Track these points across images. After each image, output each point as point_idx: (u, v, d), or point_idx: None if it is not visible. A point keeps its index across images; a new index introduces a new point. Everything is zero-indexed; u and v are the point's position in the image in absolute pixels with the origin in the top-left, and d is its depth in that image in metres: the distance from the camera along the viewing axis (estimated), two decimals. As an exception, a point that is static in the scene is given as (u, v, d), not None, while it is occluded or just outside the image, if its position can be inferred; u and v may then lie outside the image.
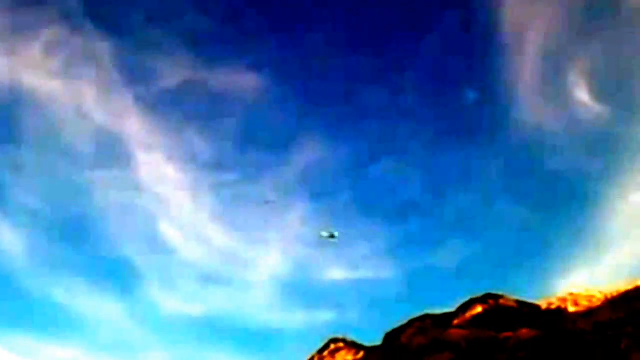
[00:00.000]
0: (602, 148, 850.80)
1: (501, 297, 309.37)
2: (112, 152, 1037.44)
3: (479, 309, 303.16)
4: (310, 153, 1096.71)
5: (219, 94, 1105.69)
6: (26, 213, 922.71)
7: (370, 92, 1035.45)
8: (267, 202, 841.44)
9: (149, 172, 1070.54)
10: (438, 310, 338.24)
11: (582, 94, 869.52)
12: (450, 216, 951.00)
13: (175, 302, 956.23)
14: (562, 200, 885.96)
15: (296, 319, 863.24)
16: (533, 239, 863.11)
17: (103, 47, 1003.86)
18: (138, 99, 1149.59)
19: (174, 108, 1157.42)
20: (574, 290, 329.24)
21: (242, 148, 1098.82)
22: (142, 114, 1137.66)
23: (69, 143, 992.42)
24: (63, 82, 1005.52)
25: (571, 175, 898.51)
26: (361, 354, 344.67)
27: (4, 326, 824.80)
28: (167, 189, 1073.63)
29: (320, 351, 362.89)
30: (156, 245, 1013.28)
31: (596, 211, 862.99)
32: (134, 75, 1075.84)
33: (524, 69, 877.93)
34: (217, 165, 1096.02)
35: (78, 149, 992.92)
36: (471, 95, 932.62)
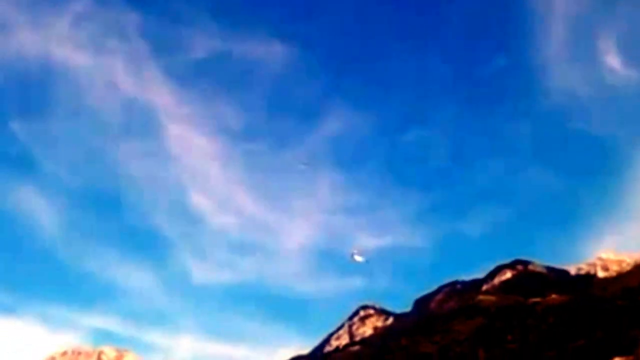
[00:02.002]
0: (632, 114, 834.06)
1: (530, 263, 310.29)
2: (141, 123, 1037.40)
3: (508, 275, 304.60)
4: (338, 122, 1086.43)
5: (248, 64, 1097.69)
6: (58, 184, 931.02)
7: (399, 61, 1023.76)
8: (303, 165, 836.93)
9: (178, 143, 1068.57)
10: (467, 277, 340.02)
11: (612, 60, 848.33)
12: (480, 183, 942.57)
13: (206, 270, 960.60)
14: (592, 166, 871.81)
15: (326, 286, 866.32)
16: (562, 205, 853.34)
17: (131, 19, 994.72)
18: (167, 70, 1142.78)
19: (203, 79, 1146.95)
20: (604, 256, 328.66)
21: (271, 117, 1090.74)
22: (171, 85, 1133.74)
23: (99, 115, 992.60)
24: (92, 54, 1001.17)
25: (601, 141, 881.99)
26: (390, 320, 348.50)
27: (38, 297, 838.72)
28: (196, 159, 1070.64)
29: (350, 318, 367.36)
30: (187, 214, 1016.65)
31: (626, 177, 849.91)
32: (163, 47, 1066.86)
33: (554, 35, 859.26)
34: (247, 135, 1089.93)
35: (108, 121, 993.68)
36: (500, 62, 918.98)
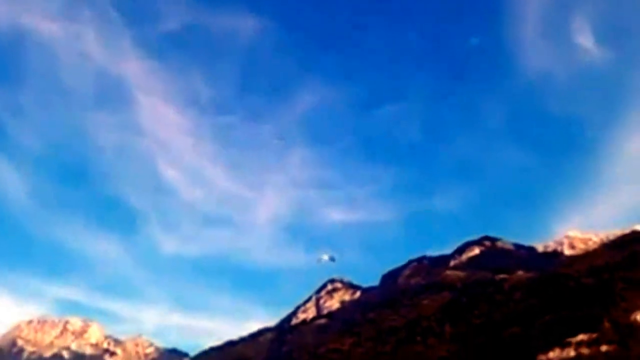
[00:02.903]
0: (604, 93, 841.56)
1: (498, 240, 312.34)
2: (112, 94, 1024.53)
3: (475, 251, 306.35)
4: (311, 96, 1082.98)
5: (220, 37, 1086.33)
6: (27, 154, 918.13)
7: (373, 36, 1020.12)
8: (277, 140, 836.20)
9: (149, 115, 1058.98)
10: (435, 253, 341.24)
11: (586, 40, 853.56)
12: (451, 160, 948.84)
13: (175, 242, 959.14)
14: (563, 145, 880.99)
15: (295, 260, 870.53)
16: (532, 183, 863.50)
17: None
18: (138, 41, 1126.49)
19: (175, 51, 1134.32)
20: (571, 234, 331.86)
21: (242, 91, 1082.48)
22: (142, 56, 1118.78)
23: (70, 85, 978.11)
24: (62, 23, 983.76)
25: (573, 120, 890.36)
26: (358, 294, 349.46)
27: (4, 266, 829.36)
28: (167, 131, 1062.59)
29: (318, 291, 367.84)
30: (156, 186, 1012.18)
31: (595, 156, 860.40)
32: (135, 18, 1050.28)
33: (528, 14, 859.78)
34: (218, 108, 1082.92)
35: (78, 91, 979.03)
36: (475, 40, 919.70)
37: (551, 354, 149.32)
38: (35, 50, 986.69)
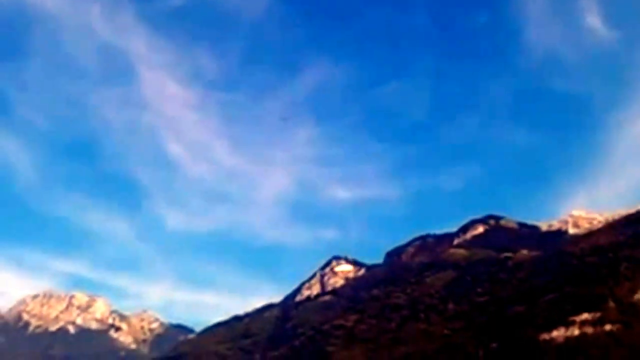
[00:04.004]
0: (610, 73, 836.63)
1: (502, 218, 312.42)
2: (117, 69, 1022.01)
3: (480, 230, 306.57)
4: (316, 74, 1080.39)
5: (225, 13, 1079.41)
6: (32, 130, 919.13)
7: (378, 13, 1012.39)
8: (282, 119, 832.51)
9: (154, 90, 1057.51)
10: (439, 231, 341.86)
11: (593, 19, 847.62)
12: (456, 139, 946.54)
13: (180, 218, 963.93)
14: (568, 125, 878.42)
15: (300, 236, 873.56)
16: (537, 162, 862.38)
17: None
18: (143, 15, 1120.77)
19: (180, 25, 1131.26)
20: (575, 213, 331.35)
21: (248, 67, 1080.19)
22: (147, 30, 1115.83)
23: (74, 60, 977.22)
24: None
25: (578, 100, 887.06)
26: (362, 271, 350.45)
27: (11, 241, 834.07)
28: (172, 107, 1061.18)
29: (322, 268, 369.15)
30: (162, 162, 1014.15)
31: (601, 136, 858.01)
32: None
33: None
34: (223, 84, 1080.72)
35: (83, 66, 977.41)
36: (482, 18, 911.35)
37: (555, 333, 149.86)
38: (40, 25, 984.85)
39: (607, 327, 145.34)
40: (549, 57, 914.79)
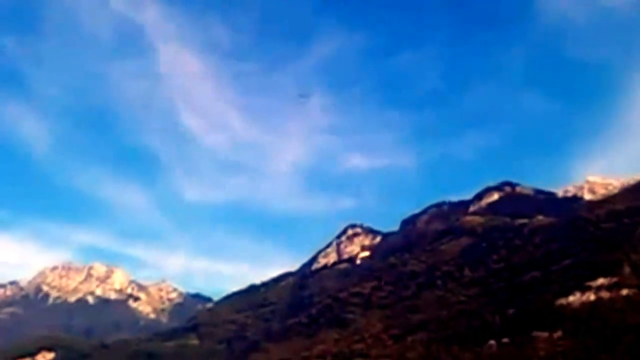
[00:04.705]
0: (624, 37, 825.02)
1: (518, 185, 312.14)
2: (132, 41, 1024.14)
3: (495, 197, 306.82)
4: (329, 43, 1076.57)
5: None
6: (49, 103, 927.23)
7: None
8: (301, 96, 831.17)
9: (168, 61, 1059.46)
10: (455, 198, 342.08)
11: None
12: (471, 106, 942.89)
13: (197, 190, 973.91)
14: (584, 90, 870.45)
15: (316, 206, 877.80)
16: (552, 129, 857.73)
17: None
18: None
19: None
20: (591, 179, 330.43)
21: (262, 38, 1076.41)
22: (161, 2, 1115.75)
23: (89, 33, 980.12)
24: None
25: (594, 65, 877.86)
26: (378, 239, 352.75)
27: (30, 213, 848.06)
28: (187, 79, 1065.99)
29: (339, 236, 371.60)
30: (177, 134, 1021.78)
31: (617, 101, 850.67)
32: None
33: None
34: (238, 55, 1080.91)
35: (98, 39, 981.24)
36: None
37: (571, 298, 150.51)
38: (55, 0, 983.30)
39: (624, 291, 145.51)
40: (562, 22, 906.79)
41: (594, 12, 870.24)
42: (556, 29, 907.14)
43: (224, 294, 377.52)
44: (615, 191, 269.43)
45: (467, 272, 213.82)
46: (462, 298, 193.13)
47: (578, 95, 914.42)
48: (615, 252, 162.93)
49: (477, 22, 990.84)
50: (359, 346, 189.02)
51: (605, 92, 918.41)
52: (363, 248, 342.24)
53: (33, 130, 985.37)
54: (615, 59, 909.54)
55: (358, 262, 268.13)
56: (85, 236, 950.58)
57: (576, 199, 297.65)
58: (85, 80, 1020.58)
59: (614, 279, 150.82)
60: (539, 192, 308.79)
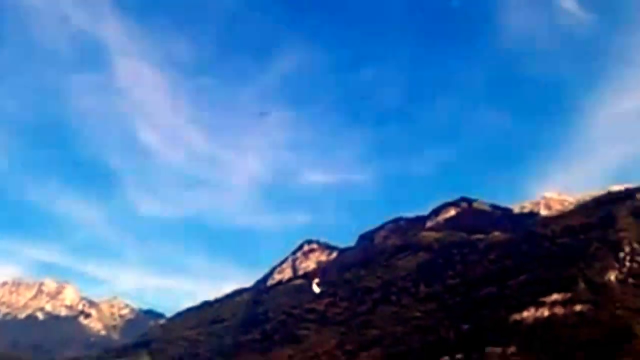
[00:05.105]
0: (585, 57, 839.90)
1: (474, 201, 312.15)
2: (90, 56, 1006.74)
3: (452, 213, 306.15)
4: (291, 59, 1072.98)
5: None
6: (4, 115, 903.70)
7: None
8: (262, 114, 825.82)
9: (127, 76, 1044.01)
10: (412, 214, 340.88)
11: (568, 2, 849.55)
12: (430, 123, 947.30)
13: (152, 204, 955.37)
14: (541, 108, 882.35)
15: (272, 221, 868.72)
16: (510, 145, 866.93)
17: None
18: (118, 2, 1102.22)
19: (154, 12, 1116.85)
20: (547, 195, 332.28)
21: (222, 53, 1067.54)
22: (121, 17, 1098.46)
23: (48, 47, 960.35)
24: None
25: (553, 83, 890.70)
26: (334, 254, 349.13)
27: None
28: (145, 93, 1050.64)
29: (294, 252, 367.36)
30: (134, 148, 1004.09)
31: (573, 119, 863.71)
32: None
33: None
34: (197, 70, 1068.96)
35: (56, 53, 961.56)
36: (456, 2, 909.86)
37: (525, 314, 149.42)
38: (14, 13, 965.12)
39: (577, 307, 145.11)
40: (524, 40, 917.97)
41: (554, 31, 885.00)
42: (517, 46, 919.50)
43: (178, 310, 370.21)
44: (571, 207, 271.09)
45: (423, 287, 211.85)
46: (418, 313, 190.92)
47: (536, 113, 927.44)
48: (570, 268, 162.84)
49: (439, 38, 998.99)
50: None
51: (564, 110, 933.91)
52: (319, 264, 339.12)
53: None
54: (573, 78, 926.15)
55: (315, 288, 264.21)
56: (37, 251, 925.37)
57: (532, 215, 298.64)
58: (42, 94, 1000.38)
59: (568, 295, 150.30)
60: (495, 207, 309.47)
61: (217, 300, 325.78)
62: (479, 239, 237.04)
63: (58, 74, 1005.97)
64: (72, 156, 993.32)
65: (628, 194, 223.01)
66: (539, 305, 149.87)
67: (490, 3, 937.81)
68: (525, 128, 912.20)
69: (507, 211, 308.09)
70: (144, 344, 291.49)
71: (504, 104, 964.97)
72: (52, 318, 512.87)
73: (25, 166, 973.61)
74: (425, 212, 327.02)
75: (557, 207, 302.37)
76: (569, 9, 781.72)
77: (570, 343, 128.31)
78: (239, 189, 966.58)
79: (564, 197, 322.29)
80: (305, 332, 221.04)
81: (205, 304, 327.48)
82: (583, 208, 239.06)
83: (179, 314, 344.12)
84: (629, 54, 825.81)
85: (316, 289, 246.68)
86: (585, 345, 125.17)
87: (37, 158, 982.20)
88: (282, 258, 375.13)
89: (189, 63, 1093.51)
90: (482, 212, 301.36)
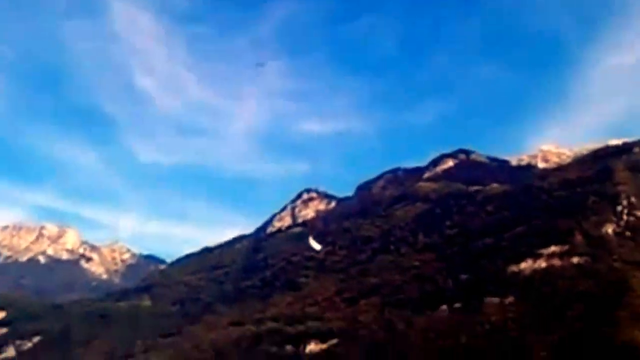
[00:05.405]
0: (583, 10, 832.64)
1: (472, 152, 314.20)
2: (85, 1, 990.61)
3: (450, 164, 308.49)
4: (287, 8, 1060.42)
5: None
6: (0, 62, 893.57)
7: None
8: (258, 65, 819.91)
9: (123, 22, 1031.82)
10: (410, 165, 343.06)
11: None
12: (427, 74, 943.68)
13: (151, 151, 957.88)
14: (539, 61, 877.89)
15: (272, 169, 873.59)
16: (508, 98, 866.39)
17: None
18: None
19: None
20: (545, 147, 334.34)
21: (217, 1, 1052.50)
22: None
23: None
24: None
25: (550, 36, 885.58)
26: (333, 204, 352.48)
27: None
28: (141, 39, 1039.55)
29: (294, 201, 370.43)
30: (131, 95, 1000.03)
31: (571, 72, 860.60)
32: None
33: None
34: (193, 17, 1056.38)
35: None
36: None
37: (522, 265, 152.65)
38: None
39: (574, 259, 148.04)
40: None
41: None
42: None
43: (178, 255, 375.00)
44: (569, 160, 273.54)
45: (421, 237, 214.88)
46: (416, 263, 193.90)
47: (534, 65, 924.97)
48: (567, 220, 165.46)
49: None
50: (312, 309, 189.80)
51: (561, 63, 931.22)
52: (318, 212, 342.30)
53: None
54: (571, 31, 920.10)
55: (312, 244, 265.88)
56: (37, 196, 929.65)
57: (530, 168, 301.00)
58: (37, 39, 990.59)
59: (566, 247, 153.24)
60: (493, 160, 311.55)
61: (217, 247, 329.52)
62: (476, 191, 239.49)
63: (52, 18, 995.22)
64: (69, 101, 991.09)
65: (626, 147, 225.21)
66: (536, 257, 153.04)
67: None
68: (522, 81, 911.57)
69: (504, 163, 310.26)
70: (145, 288, 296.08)
71: (501, 57, 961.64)
72: (54, 261, 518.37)
73: (23, 111, 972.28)
74: (423, 163, 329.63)
75: (554, 160, 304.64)
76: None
77: (567, 295, 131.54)
78: (237, 137, 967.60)
79: (561, 150, 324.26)
80: (304, 279, 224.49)
81: (206, 250, 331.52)
82: (580, 161, 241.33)
83: (180, 260, 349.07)
84: (627, 7, 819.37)
85: (314, 245, 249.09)
86: (582, 297, 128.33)
87: (34, 103, 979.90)
88: (281, 206, 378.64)
89: (184, 10, 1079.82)
90: (479, 164, 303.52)
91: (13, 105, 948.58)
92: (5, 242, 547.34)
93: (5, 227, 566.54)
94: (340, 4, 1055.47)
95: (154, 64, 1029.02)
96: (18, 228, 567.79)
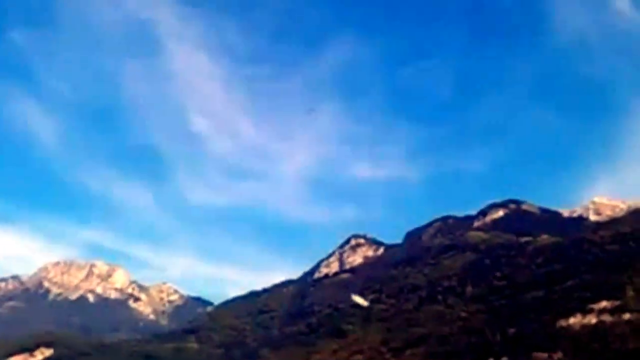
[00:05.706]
0: (638, 57, 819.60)
1: (523, 202, 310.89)
2: (144, 40, 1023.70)
3: (500, 213, 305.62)
4: (342, 51, 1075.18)
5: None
6: (57, 98, 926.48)
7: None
8: (309, 110, 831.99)
9: (180, 62, 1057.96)
10: (460, 213, 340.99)
11: (621, 2, 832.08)
12: (480, 120, 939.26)
13: (202, 192, 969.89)
14: (593, 109, 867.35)
15: (321, 214, 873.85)
16: (561, 146, 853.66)
17: None
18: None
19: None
20: (597, 200, 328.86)
21: (275, 42, 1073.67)
22: (175, 2, 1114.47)
23: (101, 30, 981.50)
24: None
25: (605, 83, 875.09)
26: (381, 250, 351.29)
27: (34, 208, 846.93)
28: (198, 80, 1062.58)
29: (342, 246, 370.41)
30: (185, 135, 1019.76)
31: (626, 121, 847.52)
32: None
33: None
34: (250, 58, 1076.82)
35: (110, 37, 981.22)
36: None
37: (572, 320, 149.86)
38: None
39: (626, 315, 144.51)
40: (576, 39, 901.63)
41: (608, 30, 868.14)
42: (570, 45, 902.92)
43: (225, 298, 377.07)
44: (622, 213, 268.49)
45: (469, 288, 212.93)
46: (463, 314, 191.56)
47: (587, 113, 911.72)
48: (619, 275, 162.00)
49: (490, 34, 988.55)
50: (358, 357, 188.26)
51: (615, 112, 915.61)
52: (366, 259, 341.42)
53: (40, 125, 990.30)
54: (626, 78, 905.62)
55: (357, 300, 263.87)
56: (89, 233, 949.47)
57: (581, 220, 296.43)
58: (95, 78, 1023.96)
59: (617, 303, 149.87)
60: (544, 210, 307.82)
61: (264, 290, 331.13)
62: (526, 242, 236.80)
63: (111, 57, 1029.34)
64: (124, 140, 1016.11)
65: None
66: (586, 312, 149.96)
67: (543, 0, 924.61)
68: (576, 129, 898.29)
69: (555, 215, 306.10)
70: (191, 330, 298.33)
71: (555, 104, 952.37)
72: (102, 300, 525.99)
73: (78, 148, 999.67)
74: (473, 211, 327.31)
75: (607, 213, 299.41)
76: (622, 8, 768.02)
77: (617, 352, 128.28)
78: (288, 180, 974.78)
79: (614, 202, 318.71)
80: (350, 327, 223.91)
81: (252, 294, 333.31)
82: (634, 214, 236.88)
83: (226, 302, 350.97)
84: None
85: (358, 300, 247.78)
86: (633, 355, 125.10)
87: (89, 141, 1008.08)
88: (329, 251, 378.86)
89: (241, 51, 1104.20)
90: (530, 215, 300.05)
91: (70, 143, 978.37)
92: (56, 279, 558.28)
93: (57, 264, 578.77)
94: (397, 46, 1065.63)
95: (209, 105, 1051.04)
96: (69, 265, 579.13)
